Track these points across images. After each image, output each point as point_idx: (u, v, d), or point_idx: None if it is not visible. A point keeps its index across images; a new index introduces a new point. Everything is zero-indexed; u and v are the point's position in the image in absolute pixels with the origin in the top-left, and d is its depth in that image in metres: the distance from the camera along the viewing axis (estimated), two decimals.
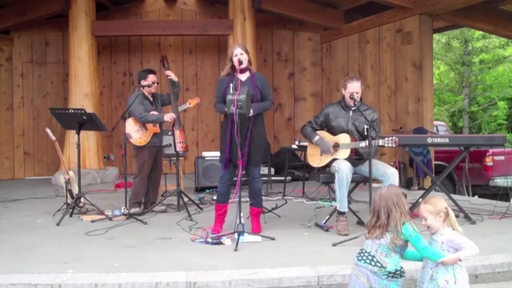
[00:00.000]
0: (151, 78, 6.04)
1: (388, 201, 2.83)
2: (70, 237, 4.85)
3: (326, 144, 5.03)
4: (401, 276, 2.83)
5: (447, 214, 2.82)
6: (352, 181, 4.96)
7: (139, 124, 5.91)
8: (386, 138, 4.70)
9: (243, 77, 4.88)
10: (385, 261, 2.77)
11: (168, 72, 6.14)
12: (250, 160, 4.78)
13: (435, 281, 2.75)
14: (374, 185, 4.92)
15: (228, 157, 4.80)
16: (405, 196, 2.88)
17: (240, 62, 4.80)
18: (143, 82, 5.99)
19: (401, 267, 2.85)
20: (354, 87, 5.05)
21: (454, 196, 5.98)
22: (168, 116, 5.93)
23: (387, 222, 2.79)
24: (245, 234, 4.50)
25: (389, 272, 2.77)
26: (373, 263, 2.78)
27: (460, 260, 2.74)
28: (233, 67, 4.89)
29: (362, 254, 2.84)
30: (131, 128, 5.89)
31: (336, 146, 5.01)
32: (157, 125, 6.03)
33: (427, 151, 7.96)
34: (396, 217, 2.78)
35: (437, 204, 2.85)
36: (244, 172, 4.73)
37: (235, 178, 4.72)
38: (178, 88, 6.24)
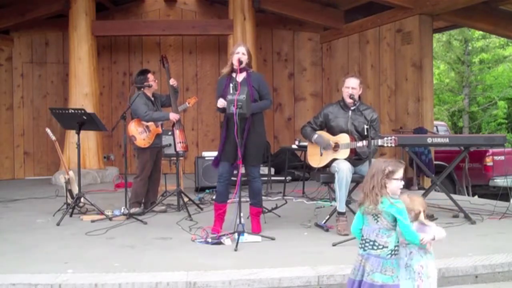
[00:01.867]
0: (151, 77, 6.06)
1: (369, 170, 2.98)
2: (70, 237, 4.85)
3: (325, 140, 5.03)
4: (398, 251, 2.92)
5: (416, 217, 2.92)
6: (352, 181, 4.96)
7: (143, 126, 5.90)
8: (386, 138, 4.70)
9: (240, 77, 4.88)
10: (387, 241, 2.85)
11: (172, 80, 6.12)
12: (248, 160, 4.78)
13: (411, 268, 2.87)
14: None
15: (220, 155, 4.82)
16: (389, 173, 2.87)
17: (240, 62, 4.80)
18: (146, 83, 5.97)
19: (397, 242, 2.91)
20: (350, 83, 5.07)
21: (454, 196, 5.98)
22: (173, 116, 5.93)
23: (363, 187, 2.93)
24: (245, 234, 4.50)
25: (392, 250, 2.85)
26: (375, 247, 2.85)
27: (433, 240, 2.87)
28: (232, 66, 4.89)
29: (366, 244, 2.90)
30: (135, 130, 5.88)
31: (336, 146, 5.01)
32: (159, 125, 6.03)
33: (428, 151, 7.96)
34: (368, 188, 2.88)
35: (414, 203, 2.94)
36: (243, 171, 4.74)
37: (234, 178, 4.72)
38: (177, 94, 6.24)
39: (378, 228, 2.87)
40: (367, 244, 2.89)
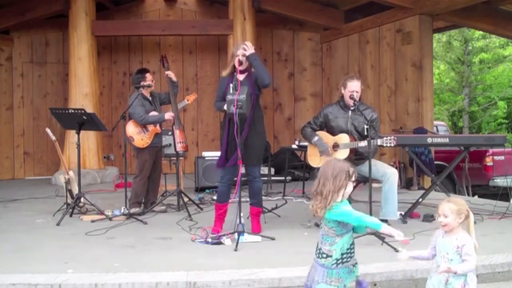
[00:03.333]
0: (149, 77, 6.05)
1: (329, 170, 2.78)
2: (70, 237, 4.85)
3: (324, 145, 5.04)
4: (350, 257, 2.76)
5: (467, 216, 2.78)
6: None
7: (141, 126, 5.91)
8: (385, 138, 4.70)
9: (241, 77, 4.88)
10: (331, 249, 2.73)
11: (169, 72, 6.14)
12: (249, 160, 4.78)
13: (451, 286, 2.72)
14: (374, 185, 4.93)
15: (224, 156, 4.81)
16: (351, 175, 2.76)
17: (240, 63, 4.81)
18: (143, 83, 5.98)
19: (348, 249, 2.76)
20: (354, 86, 5.05)
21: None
22: (169, 115, 5.93)
23: (321, 190, 2.75)
24: (245, 234, 4.50)
25: (337, 259, 2.73)
26: (321, 256, 2.76)
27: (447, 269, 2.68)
28: (234, 67, 4.90)
29: (316, 248, 2.81)
30: (133, 130, 5.89)
31: (336, 146, 5.02)
32: (158, 125, 6.03)
33: (429, 151, 7.96)
34: (329, 189, 2.73)
35: (460, 204, 2.80)
36: (244, 171, 4.73)
37: (236, 178, 4.72)
38: (177, 89, 6.23)
39: (321, 234, 2.77)
40: (316, 251, 2.79)
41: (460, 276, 2.71)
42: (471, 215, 2.79)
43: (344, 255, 2.74)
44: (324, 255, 2.73)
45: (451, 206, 2.77)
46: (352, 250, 2.77)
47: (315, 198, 2.79)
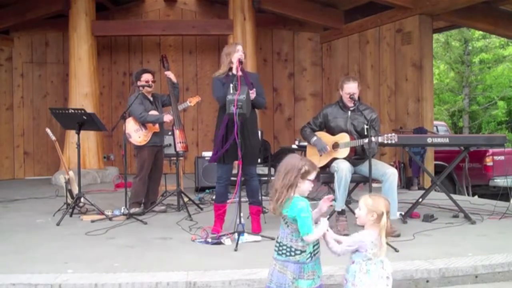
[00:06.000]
0: (145, 77, 6.05)
1: (283, 165, 2.78)
2: (70, 237, 4.85)
3: (322, 143, 5.04)
4: (318, 248, 2.77)
5: (379, 218, 2.67)
6: (352, 181, 4.96)
7: (139, 124, 5.93)
8: (386, 135, 4.70)
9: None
10: (303, 245, 2.70)
11: (168, 73, 6.14)
12: (247, 159, 4.74)
13: (345, 277, 2.75)
14: (374, 185, 4.92)
15: (223, 158, 4.79)
16: (304, 173, 2.72)
17: (241, 62, 4.80)
18: (138, 83, 6.01)
19: (317, 240, 2.75)
20: (350, 88, 5.04)
21: (454, 196, 5.98)
22: (167, 117, 5.94)
23: (275, 184, 2.76)
24: (245, 234, 4.50)
25: (311, 253, 2.71)
26: (293, 253, 2.71)
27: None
28: (229, 65, 4.87)
29: (280, 248, 2.76)
30: (131, 127, 5.91)
31: (336, 146, 5.02)
32: (157, 124, 6.04)
33: (424, 151, 7.96)
34: (279, 185, 2.74)
35: (378, 203, 2.70)
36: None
37: (233, 178, 4.72)
38: (177, 90, 6.22)
39: (290, 232, 2.72)
40: (283, 250, 2.73)
41: (348, 270, 2.70)
42: (384, 218, 2.66)
43: (315, 247, 2.74)
44: (298, 252, 2.70)
45: (367, 201, 2.71)
46: (318, 241, 2.76)
47: (271, 193, 2.80)
